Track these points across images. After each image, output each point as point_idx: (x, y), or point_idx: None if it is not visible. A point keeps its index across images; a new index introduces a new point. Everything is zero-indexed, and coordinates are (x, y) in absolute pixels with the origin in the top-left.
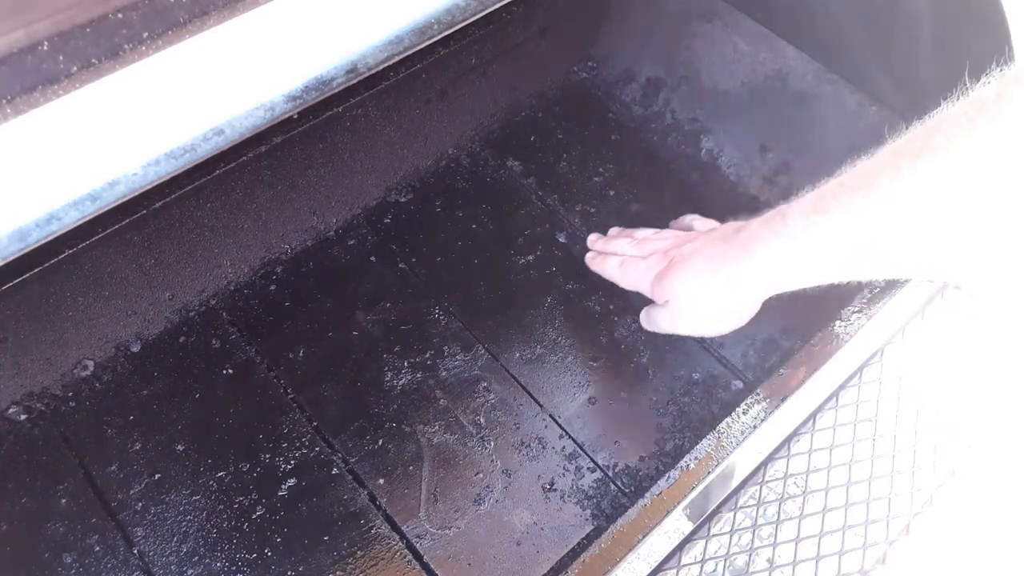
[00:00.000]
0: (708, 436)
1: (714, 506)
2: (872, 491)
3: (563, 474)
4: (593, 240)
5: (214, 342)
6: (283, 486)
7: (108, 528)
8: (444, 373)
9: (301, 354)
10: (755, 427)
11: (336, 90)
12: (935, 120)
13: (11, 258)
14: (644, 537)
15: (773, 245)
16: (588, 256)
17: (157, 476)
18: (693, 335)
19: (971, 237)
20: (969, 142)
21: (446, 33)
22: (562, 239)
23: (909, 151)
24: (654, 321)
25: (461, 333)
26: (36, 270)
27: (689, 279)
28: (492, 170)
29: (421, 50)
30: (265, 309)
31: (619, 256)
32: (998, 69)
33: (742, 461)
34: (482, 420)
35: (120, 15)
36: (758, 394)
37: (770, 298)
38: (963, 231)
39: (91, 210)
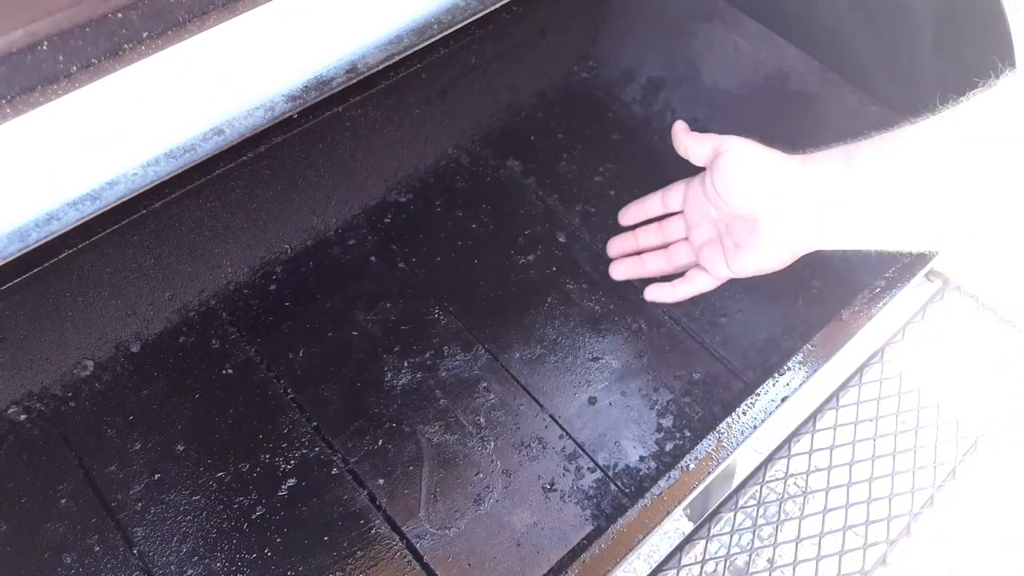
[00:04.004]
0: (708, 436)
1: (714, 506)
2: (873, 491)
3: (563, 474)
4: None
5: (214, 342)
6: (283, 486)
7: (108, 528)
8: (444, 373)
9: (301, 354)
10: (755, 427)
11: (336, 90)
12: None
13: (11, 258)
14: (644, 537)
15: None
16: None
17: (157, 476)
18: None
19: None
20: None
21: (446, 33)
22: (562, 239)
23: None
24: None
25: (461, 333)
26: (36, 270)
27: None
28: (492, 170)
29: (421, 50)
30: (265, 309)
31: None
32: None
33: (742, 461)
34: (482, 420)
35: (120, 15)
36: (758, 394)
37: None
38: None
39: (91, 210)
